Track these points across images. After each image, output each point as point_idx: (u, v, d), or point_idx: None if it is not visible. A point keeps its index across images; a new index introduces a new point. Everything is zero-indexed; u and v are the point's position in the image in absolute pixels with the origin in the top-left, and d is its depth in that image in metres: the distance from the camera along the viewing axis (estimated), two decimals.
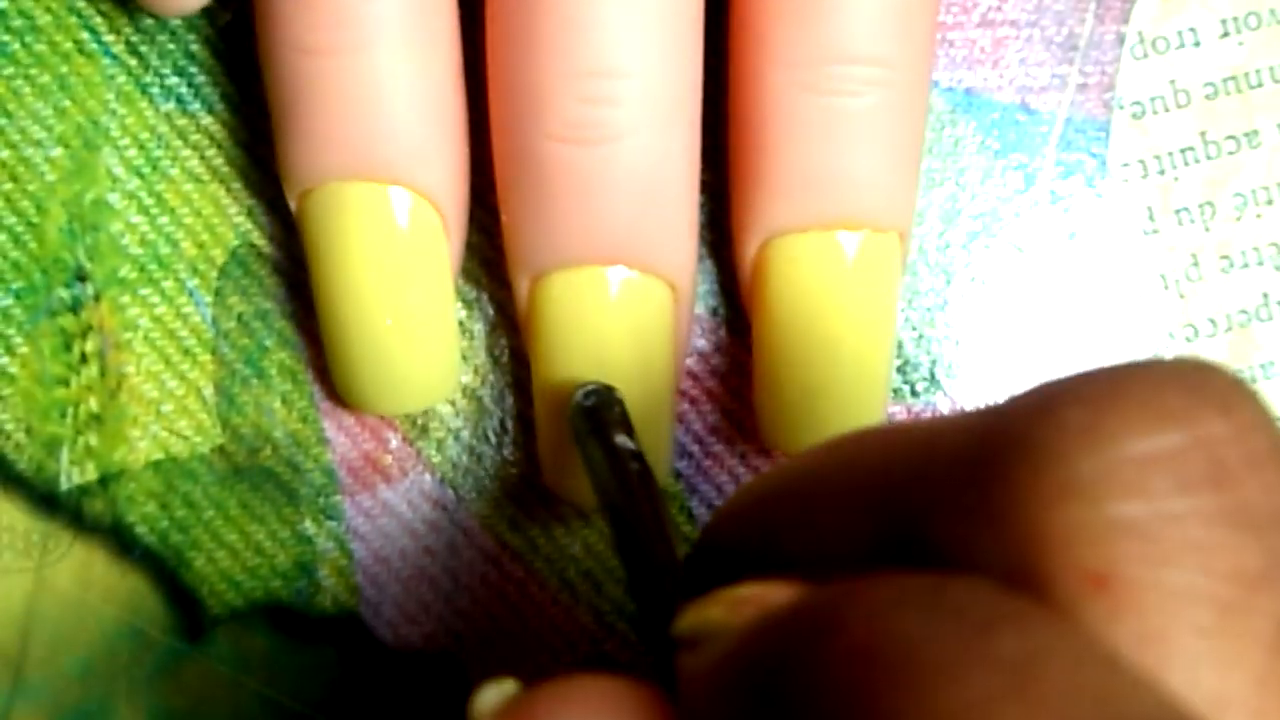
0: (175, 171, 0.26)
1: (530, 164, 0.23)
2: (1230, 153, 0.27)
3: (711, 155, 0.25)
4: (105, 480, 0.26)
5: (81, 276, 0.26)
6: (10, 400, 0.25)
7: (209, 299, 0.26)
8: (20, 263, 0.25)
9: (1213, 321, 0.27)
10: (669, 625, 0.17)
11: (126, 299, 0.26)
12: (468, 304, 0.26)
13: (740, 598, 0.15)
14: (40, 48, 0.25)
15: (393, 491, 0.26)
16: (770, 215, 0.24)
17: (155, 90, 0.26)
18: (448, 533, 0.26)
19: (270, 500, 0.26)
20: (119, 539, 0.26)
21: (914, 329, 0.27)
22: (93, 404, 0.26)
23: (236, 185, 0.26)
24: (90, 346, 0.26)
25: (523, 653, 0.26)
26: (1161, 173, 0.27)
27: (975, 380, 0.27)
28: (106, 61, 0.26)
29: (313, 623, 0.26)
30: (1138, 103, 0.27)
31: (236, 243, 0.26)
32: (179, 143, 0.26)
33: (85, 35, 0.25)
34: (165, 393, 0.26)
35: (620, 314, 0.24)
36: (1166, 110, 0.27)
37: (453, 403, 0.26)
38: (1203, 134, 0.27)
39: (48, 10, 0.25)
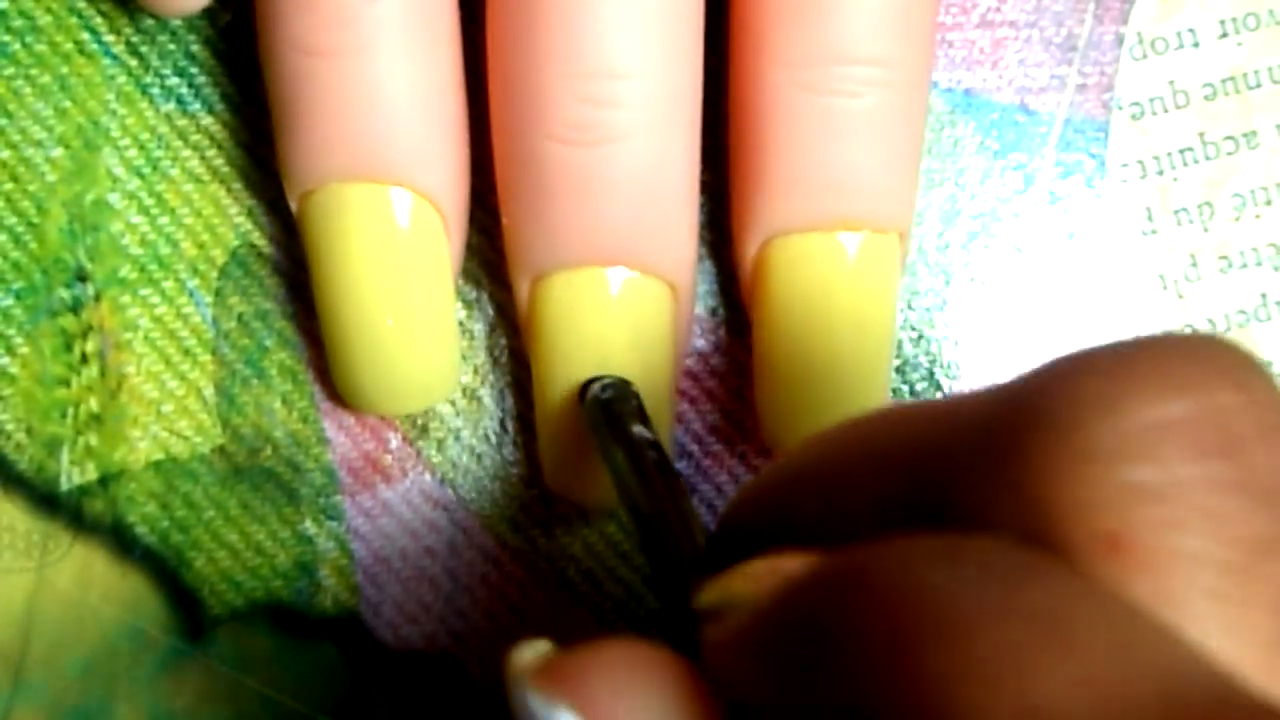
0: (176, 172, 0.26)
1: (531, 165, 0.23)
2: (1229, 153, 0.27)
3: (711, 156, 0.25)
4: (106, 480, 0.26)
5: (82, 277, 0.26)
6: (11, 400, 0.25)
7: (209, 299, 0.26)
8: (21, 263, 0.25)
9: (1211, 322, 0.27)
10: (687, 603, 0.17)
11: (127, 299, 0.26)
12: (468, 304, 0.26)
13: (762, 568, 0.15)
14: (41, 48, 0.25)
15: (393, 491, 0.26)
16: (770, 215, 0.24)
17: (156, 91, 0.26)
18: (448, 533, 0.26)
19: (271, 500, 0.26)
20: (119, 539, 0.26)
21: (913, 329, 0.27)
22: (93, 404, 0.26)
23: (237, 186, 0.26)
24: (91, 347, 0.26)
25: None
26: (1160, 173, 0.27)
27: (974, 381, 0.27)
28: (107, 62, 0.26)
29: (313, 623, 0.26)
30: (1137, 103, 0.27)
31: (237, 243, 0.26)
32: (179, 143, 0.26)
33: (86, 35, 0.25)
34: (165, 393, 0.26)
35: (620, 314, 0.24)
36: (1165, 111, 0.27)
37: (453, 403, 0.26)
38: (1201, 135, 0.27)
39: (48, 11, 0.25)
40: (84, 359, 0.26)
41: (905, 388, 0.27)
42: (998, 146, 0.27)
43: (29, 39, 0.25)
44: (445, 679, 0.26)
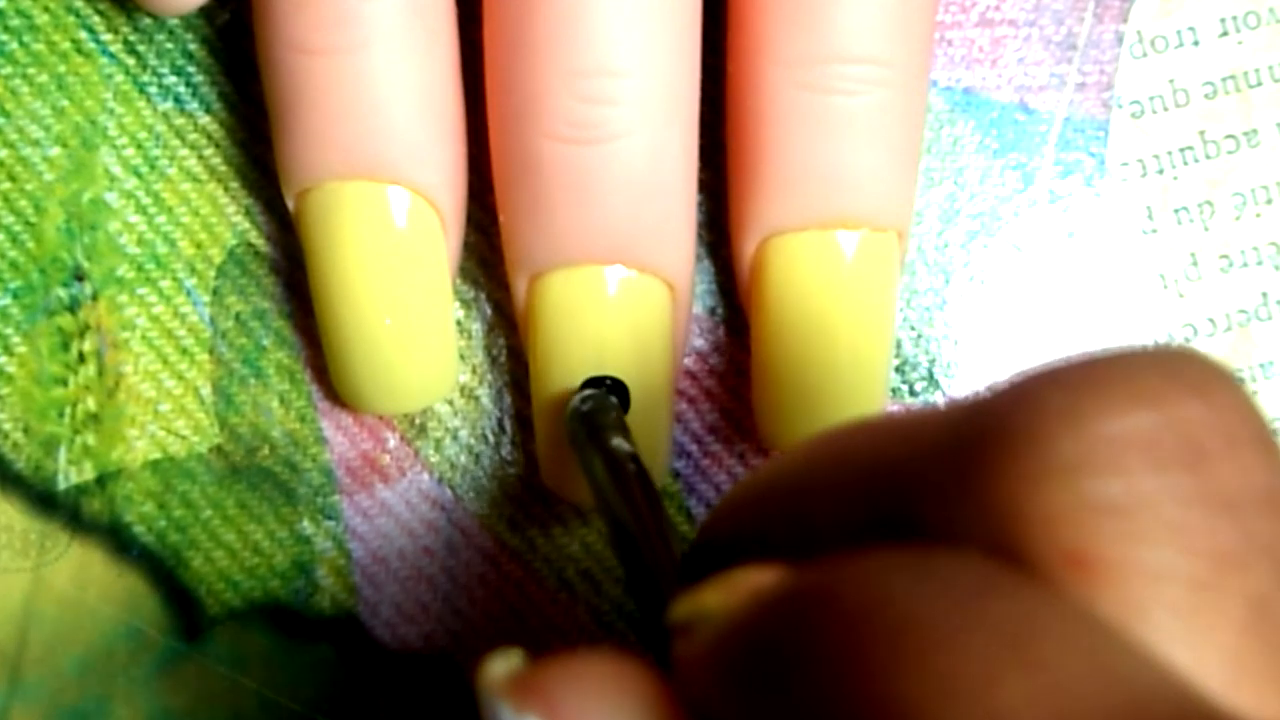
0: (173, 171, 0.26)
1: (528, 163, 0.23)
2: (1229, 152, 0.27)
3: (710, 154, 0.25)
4: (103, 480, 0.26)
5: (79, 276, 0.26)
6: (8, 400, 0.25)
7: (206, 298, 0.26)
8: (18, 262, 0.25)
9: (1212, 321, 0.27)
10: (659, 617, 0.17)
11: (124, 298, 0.26)
12: (465, 303, 0.26)
13: (731, 582, 0.15)
14: (38, 47, 0.25)
15: (391, 491, 0.26)
16: (768, 214, 0.24)
17: (153, 89, 0.26)
18: (446, 532, 0.26)
19: (268, 500, 0.26)
20: (117, 538, 0.26)
21: (912, 328, 0.27)
22: (90, 403, 0.26)
23: (234, 185, 0.26)
24: (88, 346, 0.26)
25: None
26: (1160, 172, 0.27)
27: (974, 380, 0.27)
28: (104, 61, 0.26)
29: (311, 622, 0.26)
30: (1136, 102, 0.27)
31: (234, 242, 0.26)
32: (177, 142, 0.26)
33: (83, 34, 0.25)
34: (163, 392, 0.26)
35: (618, 313, 0.24)
36: (1165, 109, 0.27)
37: (450, 402, 0.26)
38: (1202, 133, 0.27)
39: (45, 9, 0.25)
40: (81, 358, 0.26)
41: (905, 387, 0.27)
42: (997, 145, 0.27)
43: (26, 38, 0.25)
44: (443, 679, 0.26)
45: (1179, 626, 0.13)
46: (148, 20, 0.26)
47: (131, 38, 0.26)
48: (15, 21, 0.25)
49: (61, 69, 0.25)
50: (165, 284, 0.26)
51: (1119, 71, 0.27)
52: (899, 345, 0.26)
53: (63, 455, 0.26)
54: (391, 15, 0.22)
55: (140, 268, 0.26)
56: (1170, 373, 0.14)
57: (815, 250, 0.24)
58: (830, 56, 0.23)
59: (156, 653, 0.26)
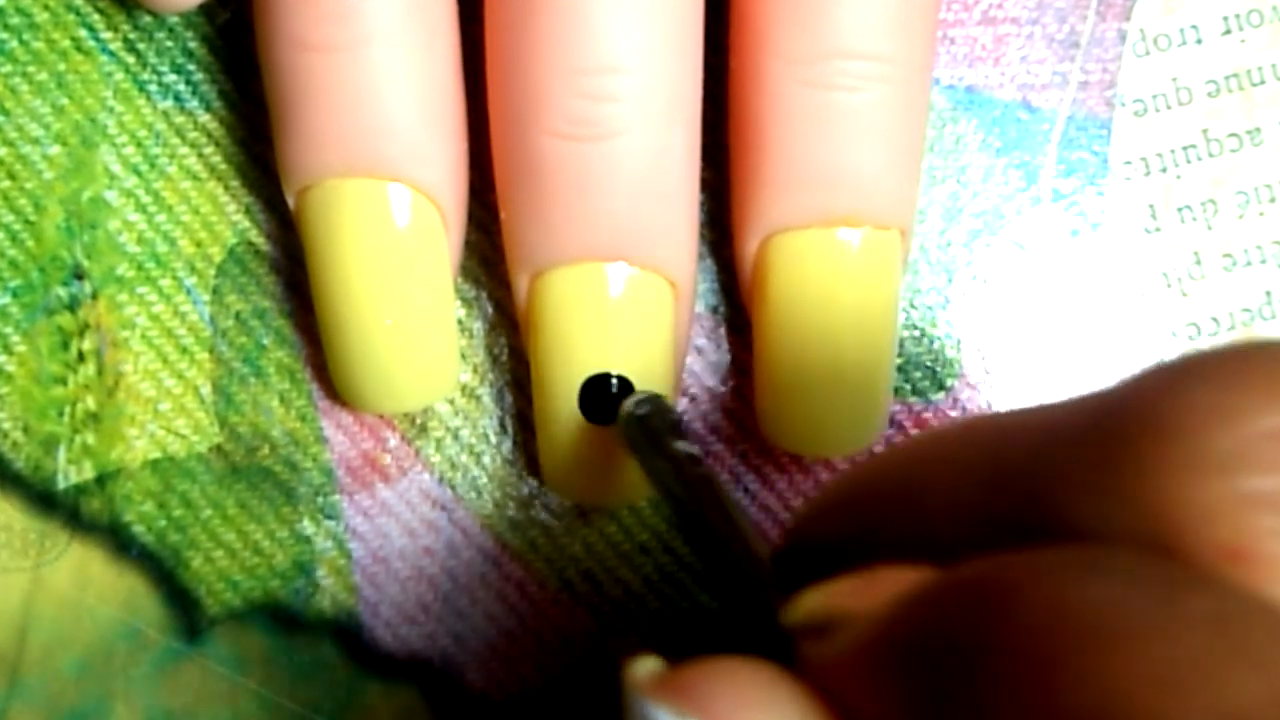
0: (173, 169, 0.26)
1: (529, 161, 0.23)
2: (1233, 150, 0.27)
3: (712, 153, 0.25)
4: (102, 479, 0.26)
5: (79, 274, 0.25)
6: (7, 399, 0.25)
7: (206, 297, 0.26)
8: (18, 261, 0.25)
9: (1215, 320, 0.27)
10: (772, 619, 0.17)
11: (124, 297, 0.26)
12: (467, 302, 0.26)
13: (867, 581, 0.15)
14: (38, 45, 0.25)
15: (391, 491, 0.26)
16: (770, 212, 0.24)
17: (153, 88, 0.26)
18: (446, 532, 0.26)
19: (268, 499, 0.26)
20: (116, 538, 0.26)
21: (915, 327, 0.26)
22: (90, 402, 0.25)
23: (234, 183, 0.26)
24: (88, 345, 0.25)
25: (522, 653, 0.26)
26: (1164, 170, 0.27)
27: (977, 379, 0.27)
28: (104, 59, 0.25)
29: (311, 623, 0.26)
30: (1140, 100, 0.27)
31: (234, 241, 0.26)
32: (177, 140, 0.26)
33: (83, 32, 0.25)
34: (163, 391, 0.26)
35: (620, 311, 0.23)
36: (1169, 108, 0.27)
37: (452, 401, 0.26)
38: (1205, 131, 0.27)
39: (45, 7, 0.25)
40: (81, 357, 0.25)
41: (908, 386, 0.26)
42: (1000, 144, 0.26)
43: (26, 36, 0.25)
44: (443, 680, 0.26)
45: None
46: (148, 18, 0.25)
47: (131, 35, 0.25)
48: (15, 19, 0.25)
49: (61, 67, 0.25)
50: (165, 283, 0.26)
51: (1122, 69, 0.27)
52: (902, 344, 0.26)
53: (62, 454, 0.25)
54: (392, 11, 0.22)
55: (140, 266, 0.26)
56: None
57: (817, 248, 0.24)
58: (832, 53, 0.23)
59: (156, 653, 0.26)
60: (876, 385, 0.24)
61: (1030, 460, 0.15)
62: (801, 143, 0.23)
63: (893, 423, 0.26)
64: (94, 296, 0.25)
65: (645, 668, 0.15)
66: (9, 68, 0.25)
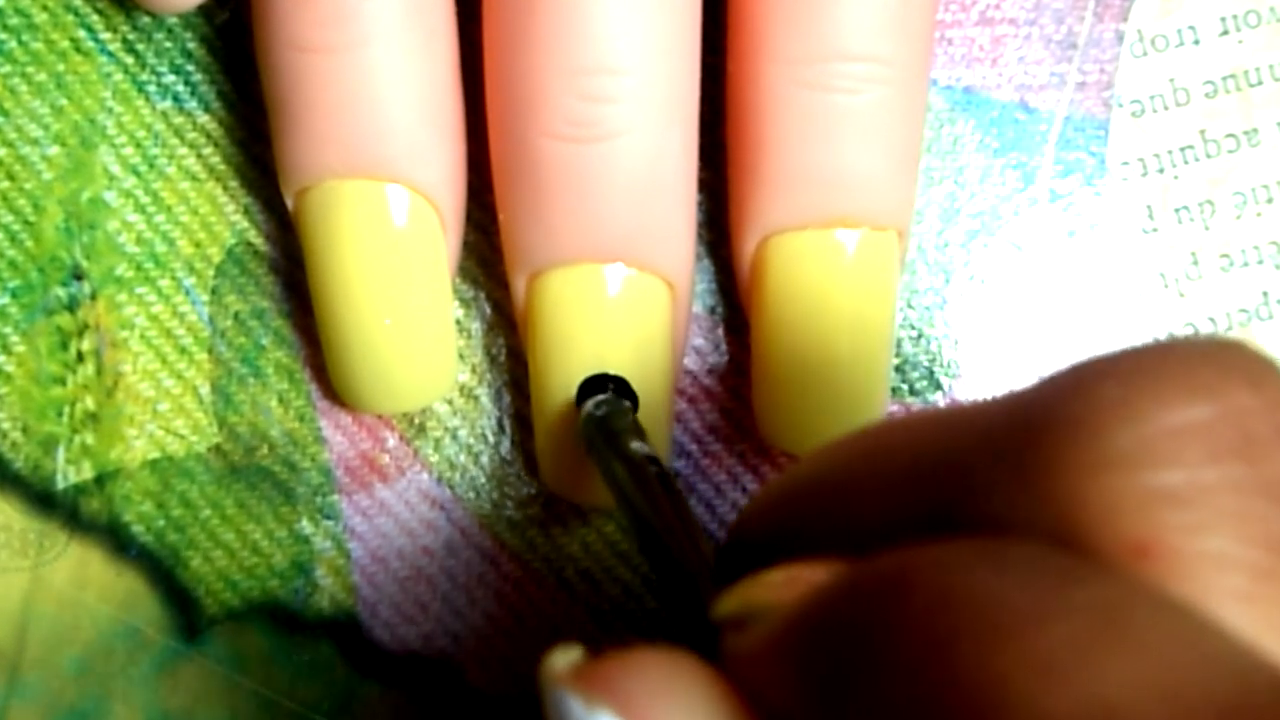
0: (172, 170, 0.26)
1: (527, 161, 0.23)
2: (1230, 151, 0.27)
3: (710, 154, 0.25)
4: (102, 479, 0.26)
5: (78, 275, 0.25)
6: (7, 399, 0.25)
7: (205, 297, 0.26)
8: (17, 261, 0.25)
9: (1213, 320, 0.27)
10: (703, 612, 0.17)
11: (123, 297, 0.26)
12: (465, 303, 0.26)
13: (783, 576, 0.15)
14: (37, 46, 0.25)
15: (390, 491, 0.26)
16: (768, 213, 0.24)
17: (152, 88, 0.26)
18: (445, 532, 0.26)
19: (267, 499, 0.26)
20: (115, 538, 0.26)
21: (913, 328, 0.26)
22: (89, 403, 0.25)
23: (233, 183, 0.26)
24: (87, 345, 0.25)
25: (520, 653, 0.26)
26: (1161, 171, 0.27)
27: (975, 379, 0.27)
28: (103, 59, 0.25)
29: (310, 623, 0.26)
30: (1137, 101, 0.27)
31: (233, 241, 0.26)
32: (175, 141, 0.26)
33: (82, 33, 0.25)
34: (162, 391, 0.26)
35: (618, 312, 0.23)
36: (1166, 108, 0.27)
37: (450, 402, 0.26)
38: (1202, 132, 0.27)
39: (44, 8, 0.25)
40: (80, 357, 0.25)
41: (905, 387, 0.27)
42: (997, 144, 0.27)
43: (25, 36, 0.25)
44: (441, 679, 0.26)
45: (1241, 613, 0.13)
46: (146, 19, 0.25)
47: (130, 36, 0.25)
48: (14, 20, 0.25)
49: (60, 68, 0.25)
50: (164, 283, 0.26)
51: (1119, 70, 0.27)
52: (899, 344, 0.26)
53: (61, 455, 0.25)
54: (391, 13, 0.22)
55: (139, 267, 0.26)
56: (1222, 363, 0.14)
57: (815, 249, 0.24)
58: (830, 55, 0.23)
59: (155, 653, 0.26)
60: (874, 386, 0.24)
61: (949, 458, 0.15)
62: (799, 144, 0.23)
63: None
64: (93, 297, 0.26)
65: (564, 658, 0.15)
66: (8, 68, 0.25)
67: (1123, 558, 0.14)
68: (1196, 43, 0.27)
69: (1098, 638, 0.12)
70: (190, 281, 0.26)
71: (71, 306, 0.25)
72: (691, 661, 0.15)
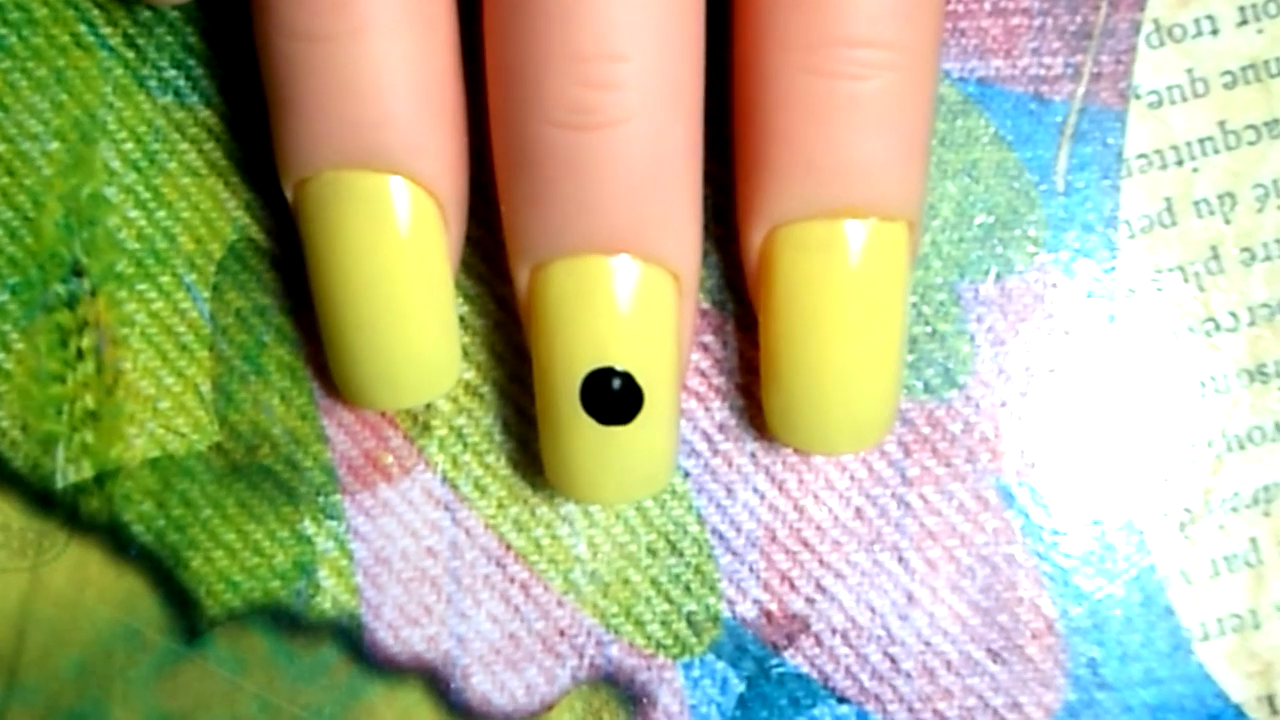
0: (173, 165, 0.25)
1: (529, 150, 0.22)
2: (1250, 143, 0.26)
3: (717, 147, 0.25)
4: (101, 478, 0.25)
5: (78, 271, 0.25)
6: (5, 397, 0.25)
7: (206, 294, 0.26)
8: (16, 258, 0.25)
9: (1233, 315, 0.26)
10: None
11: (123, 294, 0.25)
12: (469, 299, 0.26)
13: None
14: (37, 41, 0.25)
15: (394, 490, 0.26)
16: (774, 203, 0.23)
17: (153, 83, 0.25)
18: (450, 532, 0.26)
19: (269, 499, 0.25)
20: (115, 538, 0.25)
21: (927, 324, 0.26)
22: (89, 401, 0.25)
23: (234, 179, 0.26)
24: (87, 342, 0.25)
25: (526, 656, 0.26)
26: (1180, 164, 0.26)
27: (991, 376, 0.26)
28: (104, 54, 0.25)
29: (312, 624, 0.26)
30: (1154, 92, 0.26)
31: (234, 237, 0.26)
32: (176, 136, 0.25)
33: (82, 28, 0.25)
34: (162, 389, 0.25)
35: (623, 304, 0.23)
36: (1184, 100, 0.26)
37: (455, 400, 0.26)
38: (1222, 124, 0.26)
39: (44, 3, 0.25)
40: (80, 355, 0.25)
41: (919, 384, 0.26)
42: (1012, 137, 0.26)
43: (25, 31, 0.25)
44: (445, 682, 0.26)
45: None
46: (147, 14, 0.25)
47: (131, 31, 0.25)
48: (14, 15, 0.25)
49: (60, 63, 0.25)
50: (165, 279, 0.25)
51: (1136, 61, 0.26)
52: (914, 341, 0.26)
53: (61, 453, 0.25)
54: (389, 0, 0.22)
55: (140, 263, 0.25)
56: None
57: (822, 239, 0.23)
58: (836, 40, 0.22)
59: (155, 654, 0.25)
60: (885, 381, 0.24)
61: None
62: (805, 132, 0.23)
63: (906, 421, 0.26)
64: (93, 293, 0.25)
65: None
66: (8, 63, 0.25)
67: None
68: (1215, 33, 0.26)
69: None
70: (191, 278, 0.26)
71: (71, 303, 0.25)
72: None
